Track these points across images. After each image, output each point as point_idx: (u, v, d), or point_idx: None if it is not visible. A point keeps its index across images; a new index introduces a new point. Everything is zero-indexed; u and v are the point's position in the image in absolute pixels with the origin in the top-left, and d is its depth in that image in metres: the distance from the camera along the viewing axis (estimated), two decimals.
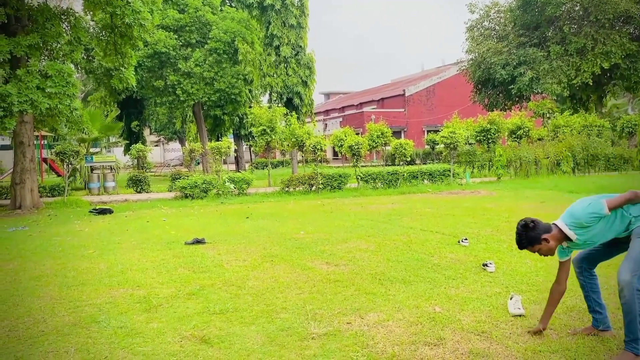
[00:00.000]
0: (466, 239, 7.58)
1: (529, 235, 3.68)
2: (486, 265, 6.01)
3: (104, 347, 3.93)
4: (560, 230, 3.67)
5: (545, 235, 3.65)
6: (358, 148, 18.08)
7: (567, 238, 3.69)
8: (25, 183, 14.82)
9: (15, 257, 7.62)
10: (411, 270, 6.03)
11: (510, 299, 4.60)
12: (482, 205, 12.07)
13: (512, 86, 27.86)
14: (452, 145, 19.06)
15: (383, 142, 18.97)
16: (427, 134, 38.12)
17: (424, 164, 27.64)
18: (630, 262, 3.48)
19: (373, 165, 26.47)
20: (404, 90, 43.63)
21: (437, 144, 21.89)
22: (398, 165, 20.23)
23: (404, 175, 18.19)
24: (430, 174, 18.74)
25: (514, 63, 27.54)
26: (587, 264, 3.97)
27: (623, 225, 3.64)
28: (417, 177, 18.46)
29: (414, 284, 5.41)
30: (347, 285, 5.45)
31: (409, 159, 19.65)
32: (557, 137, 22.47)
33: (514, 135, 22.13)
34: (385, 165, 21.14)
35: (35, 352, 3.89)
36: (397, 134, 36.31)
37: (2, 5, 13.34)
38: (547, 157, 20.65)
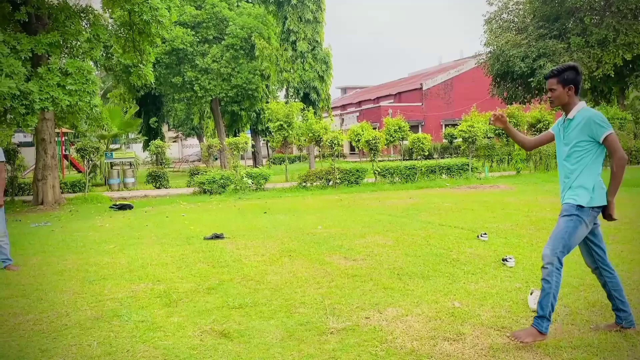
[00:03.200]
0: (485, 234, 7.52)
1: (569, 74, 3.68)
2: (506, 260, 5.95)
3: (125, 341, 3.99)
4: (579, 103, 3.70)
5: (572, 87, 3.68)
6: (375, 143, 18.00)
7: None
8: (47, 179, 15.06)
9: (39, 252, 7.76)
10: (430, 265, 6.00)
11: (531, 294, 4.55)
12: (501, 200, 11.96)
13: (531, 79, 27.47)
14: (470, 139, 18.88)
15: (400, 136, 18.87)
16: (445, 128, 37.83)
17: (441, 158, 27.40)
18: (552, 239, 3.65)
19: (390, 160, 26.34)
20: (421, 84, 43.32)
21: (455, 138, 21.66)
22: (416, 159, 20.12)
23: (421, 169, 18.09)
24: (448, 169, 18.61)
25: (534, 55, 27.14)
26: (593, 263, 3.91)
27: (566, 167, 3.75)
28: (435, 172, 18.35)
29: (432, 279, 5.39)
30: (366, 280, 5.45)
31: (426, 154, 19.53)
32: None
33: (533, 129, 21.82)
34: (403, 160, 21.01)
35: (59, 345, 3.96)
36: (414, 128, 36.08)
37: (23, 4, 13.54)
38: None
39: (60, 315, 4.68)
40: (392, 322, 4.22)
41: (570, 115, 3.72)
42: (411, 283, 5.29)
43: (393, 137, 18.80)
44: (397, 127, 18.77)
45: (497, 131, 21.15)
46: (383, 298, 4.84)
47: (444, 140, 29.34)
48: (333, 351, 3.67)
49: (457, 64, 48.12)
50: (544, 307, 3.61)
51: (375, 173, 18.08)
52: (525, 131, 22.75)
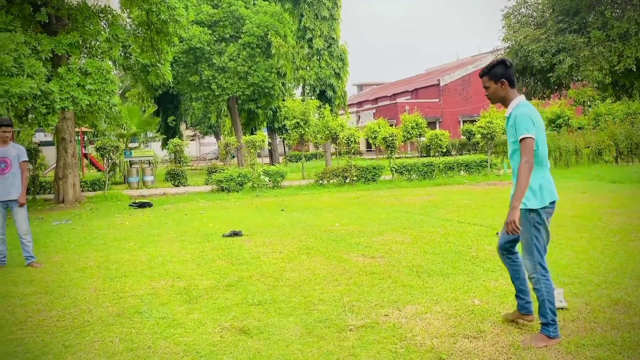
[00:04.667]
0: None
1: (498, 69, 3.72)
2: None
3: (146, 337, 4.04)
4: (515, 98, 3.72)
5: (504, 81, 3.71)
6: (392, 140, 17.93)
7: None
8: (68, 178, 15.28)
9: (60, 250, 7.88)
10: (448, 262, 5.97)
11: None
12: None
13: (550, 74, 27.12)
14: (489, 136, 18.70)
15: (418, 133, 18.77)
16: (463, 124, 37.51)
17: (460, 154, 27.21)
18: (525, 250, 3.72)
19: (407, 157, 26.25)
20: (438, 80, 43.01)
21: (474, 134, 21.46)
22: (433, 156, 20.00)
23: (439, 166, 17.98)
24: (466, 165, 18.47)
25: (553, 50, 26.77)
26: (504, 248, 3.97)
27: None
28: (453, 169, 18.23)
29: (451, 277, 5.36)
30: (384, 278, 5.44)
31: (444, 150, 19.39)
32: (598, 125, 21.76)
33: (553, 125, 21.56)
34: (420, 157, 20.89)
35: (82, 341, 4.03)
36: (431, 124, 35.87)
37: (43, 5, 13.74)
38: (588, 147, 20.04)
39: (82, 312, 4.75)
40: (412, 319, 4.21)
41: (507, 112, 3.76)
42: (430, 281, 5.27)
43: (410, 134, 18.72)
44: (414, 124, 18.68)
45: None
46: (402, 295, 4.83)
47: (462, 137, 29.13)
48: (352, 348, 3.67)
49: (474, 59, 47.68)
50: (545, 314, 3.65)
51: (392, 170, 18.02)
52: (544, 127, 22.52)
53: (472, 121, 29.29)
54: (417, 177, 17.76)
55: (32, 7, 13.86)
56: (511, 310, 4.22)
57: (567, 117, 21.28)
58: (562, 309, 4.26)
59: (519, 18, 29.66)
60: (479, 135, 19.35)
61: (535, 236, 3.65)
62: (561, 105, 21.99)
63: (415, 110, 20.78)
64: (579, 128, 21.93)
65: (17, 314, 4.76)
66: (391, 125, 20.04)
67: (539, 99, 26.90)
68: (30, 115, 13.18)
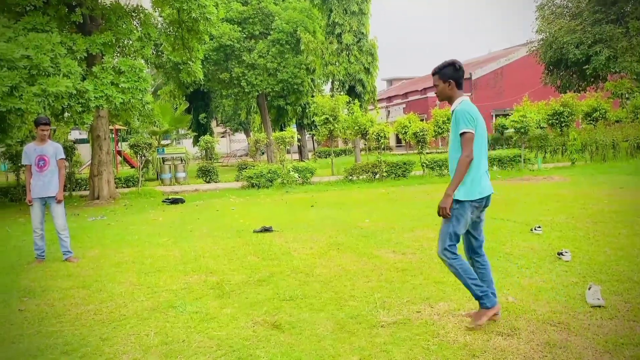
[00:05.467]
0: (539, 227, 7.30)
1: (447, 70, 3.93)
2: (561, 254, 5.76)
3: (181, 331, 4.10)
4: (460, 97, 3.93)
5: (452, 82, 3.92)
6: (423, 135, 17.76)
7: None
8: (103, 175, 15.64)
9: (96, 245, 8.08)
10: None
11: (589, 289, 4.39)
12: (556, 192, 11.58)
13: (586, 66, 26.37)
14: (522, 130, 18.35)
15: (449, 128, 18.53)
16: (496, 118, 36.86)
17: (492, 149, 26.72)
18: (439, 236, 3.92)
19: (439, 152, 25.95)
20: (470, 74, 42.32)
21: (507, 128, 21.09)
22: None
23: None
24: (499, 160, 18.15)
25: (589, 42, 26.01)
26: (468, 252, 4.10)
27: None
28: None
29: None
30: (416, 274, 5.40)
31: None
32: (637, 118, 21.08)
33: (589, 118, 20.99)
34: None
35: (118, 334, 4.12)
36: None
37: (78, 5, 14.06)
38: (626, 140, 19.43)
39: (118, 306, 4.86)
40: (444, 316, 4.16)
41: (452, 109, 3.97)
42: None
43: (441, 129, 18.50)
44: (445, 118, 18.45)
45: (550, 121, 20.46)
46: (434, 292, 4.78)
47: (495, 131, 28.62)
48: (384, 344, 3.66)
49: (507, 52, 46.76)
50: (471, 290, 3.88)
51: (423, 166, 17.85)
52: (580, 120, 21.94)
53: (505, 115, 28.82)
54: (448, 173, 17.51)
55: (68, 8, 14.20)
56: (542, 308, 4.13)
57: (603, 110, 20.67)
58: (599, 306, 4.16)
59: (554, 9, 28.91)
60: (512, 130, 18.98)
61: (453, 224, 3.81)
62: (597, 98, 21.36)
63: (446, 105, 20.50)
64: (617, 121, 21.30)
65: (56, 307, 4.90)
66: (422, 120, 19.84)
67: (574, 92, 26.17)
68: (66, 114, 13.51)
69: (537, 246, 6.37)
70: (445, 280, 5.09)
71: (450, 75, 3.92)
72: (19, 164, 16.18)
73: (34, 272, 6.38)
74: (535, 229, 7.25)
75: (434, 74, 4.01)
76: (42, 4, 13.03)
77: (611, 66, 25.59)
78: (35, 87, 11.17)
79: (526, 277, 5.09)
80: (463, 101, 3.90)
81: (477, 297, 3.88)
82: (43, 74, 11.47)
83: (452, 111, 3.93)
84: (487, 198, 3.90)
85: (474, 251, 4.06)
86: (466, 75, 41.87)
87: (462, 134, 3.76)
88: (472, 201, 3.81)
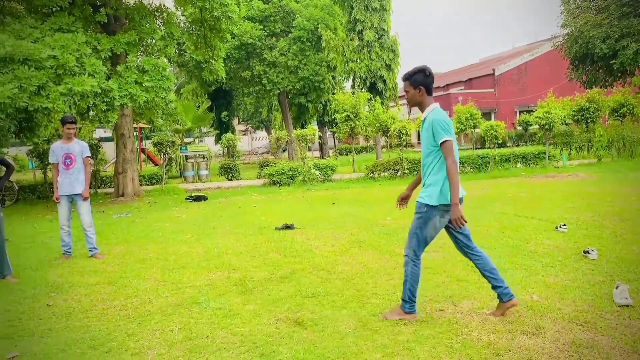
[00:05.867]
0: (564, 225, 7.18)
1: (417, 76, 4.01)
2: (587, 252, 5.66)
3: (205, 327, 4.15)
4: (431, 104, 4.02)
5: (422, 88, 4.00)
6: None
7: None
8: (127, 172, 15.86)
9: (122, 242, 8.21)
10: (505, 257, 5.81)
11: (616, 288, 4.31)
12: (581, 189, 11.37)
13: (613, 61, 25.78)
14: (547, 126, 18.05)
15: (472, 124, 18.33)
16: (519, 114, 36.37)
17: (516, 146, 26.41)
18: (408, 236, 4.07)
19: (461, 149, 25.71)
20: (493, 70, 41.78)
21: (531, 125, 20.75)
22: (488, 148, 19.49)
23: (495, 158, 17.51)
24: (523, 157, 17.91)
25: (616, 36, 25.43)
26: (460, 249, 4.20)
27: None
28: (509, 161, 17.71)
29: (509, 272, 5.21)
30: (438, 272, 5.36)
31: (500, 142, 18.88)
32: None
33: (616, 114, 20.56)
34: (475, 149, 20.39)
35: (143, 329, 4.18)
36: (486, 115, 34.90)
37: (102, 6, 14.27)
38: None
39: (143, 302, 4.93)
40: (468, 314, 4.13)
41: (423, 116, 4.07)
42: None
43: (464, 126, 18.32)
44: (468, 115, 18.27)
45: (576, 117, 20.09)
46: (457, 290, 4.75)
47: (519, 128, 28.27)
48: (407, 342, 3.64)
49: (531, 47, 46.00)
50: (404, 292, 4.07)
51: None
52: (607, 116, 21.50)
53: (529, 111, 28.38)
54: (471, 170, 17.37)
55: (92, 8, 14.42)
56: (568, 307, 4.07)
57: (631, 106, 20.21)
58: (627, 306, 4.08)
59: (579, 3, 28.33)
60: (537, 126, 18.70)
61: (420, 227, 3.97)
62: (625, 93, 20.90)
63: (469, 101, 20.28)
64: None
65: (83, 303, 4.99)
66: None
67: (600, 87, 25.64)
68: (91, 113, 13.73)
69: (563, 244, 6.27)
70: (469, 279, 5.05)
71: (421, 82, 3.99)
72: (46, 162, 16.53)
73: (62, 268, 6.51)
74: (560, 227, 7.14)
75: (404, 80, 4.08)
76: (67, 5, 13.25)
77: (639, 60, 24.98)
78: (61, 87, 11.39)
79: (551, 276, 5.02)
80: (435, 109, 3.99)
81: (403, 299, 4.08)
82: (69, 73, 11.68)
83: (424, 119, 4.02)
84: (460, 199, 3.92)
85: (466, 246, 4.11)
86: (489, 72, 41.41)
87: (443, 143, 3.85)
88: (443, 205, 3.90)
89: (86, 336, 4.08)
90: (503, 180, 15.02)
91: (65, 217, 7.01)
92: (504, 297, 4.02)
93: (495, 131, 17.87)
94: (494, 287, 4.06)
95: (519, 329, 3.78)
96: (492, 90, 41.48)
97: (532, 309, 4.14)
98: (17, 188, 16.09)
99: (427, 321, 4.02)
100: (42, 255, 7.32)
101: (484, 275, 4.09)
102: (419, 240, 3.99)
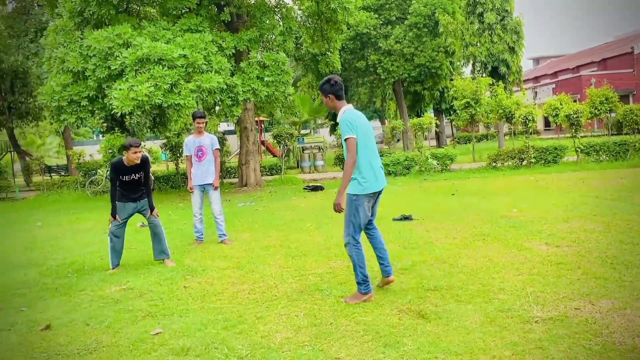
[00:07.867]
0: None
1: (324, 87, 4.49)
2: None
3: (328, 314, 4.23)
4: (343, 107, 4.47)
5: (331, 95, 4.46)
6: (577, 117, 16.26)
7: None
8: (250, 163, 16.68)
9: (247, 229, 8.64)
10: None
11: None
12: None
13: None
14: None
15: (608, 108, 16.77)
16: None
17: None
18: (344, 224, 4.50)
19: (595, 136, 23.66)
20: (632, 48, 37.88)
21: None
22: (626, 134, 17.74)
23: (635, 145, 15.89)
24: None
25: None
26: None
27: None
28: None
29: None
30: (572, 269, 4.99)
31: None
32: None
33: None
34: (610, 135, 18.63)
35: (271, 314, 4.37)
36: (624, 98, 31.77)
37: (226, 5, 15.04)
38: None
39: (269, 287, 5.15)
40: (607, 315, 3.80)
41: (338, 118, 4.48)
42: (628, 274, 4.70)
43: (598, 110, 16.81)
44: (603, 99, 16.73)
45: None
46: (595, 288, 4.39)
47: None
48: (539, 341, 3.44)
49: None
50: (356, 276, 4.48)
51: (577, 151, 16.40)
52: None
53: None
54: (607, 158, 15.93)
55: (217, 7, 15.26)
56: None
57: None
58: None
59: None
60: None
61: (353, 214, 4.42)
62: None
63: (603, 83, 18.55)
64: None
65: (215, 286, 5.33)
66: (574, 101, 18.19)
67: None
68: (217, 107, 14.59)
69: None
70: (608, 276, 4.64)
71: (329, 91, 4.47)
72: (178, 154, 17.87)
73: (195, 253, 7.01)
74: None
75: (319, 89, 4.54)
76: (195, 6, 14.16)
77: None
78: (191, 84, 12.21)
79: None
80: (346, 111, 4.43)
81: (358, 282, 4.47)
82: (198, 71, 12.49)
83: (338, 121, 4.43)
84: (380, 192, 4.52)
85: (369, 223, 4.63)
86: (626, 50, 37.77)
87: (345, 140, 4.31)
88: (366, 194, 4.39)
89: (219, 317, 4.35)
90: None
91: (198, 205, 7.52)
92: (384, 274, 4.70)
93: (636, 115, 16.19)
94: (380, 263, 4.73)
95: None
96: (631, 70, 37.66)
97: None
98: (153, 178, 17.60)
99: (561, 320, 3.76)
100: (178, 241, 7.92)
101: (375, 248, 4.73)
102: (354, 227, 4.43)
